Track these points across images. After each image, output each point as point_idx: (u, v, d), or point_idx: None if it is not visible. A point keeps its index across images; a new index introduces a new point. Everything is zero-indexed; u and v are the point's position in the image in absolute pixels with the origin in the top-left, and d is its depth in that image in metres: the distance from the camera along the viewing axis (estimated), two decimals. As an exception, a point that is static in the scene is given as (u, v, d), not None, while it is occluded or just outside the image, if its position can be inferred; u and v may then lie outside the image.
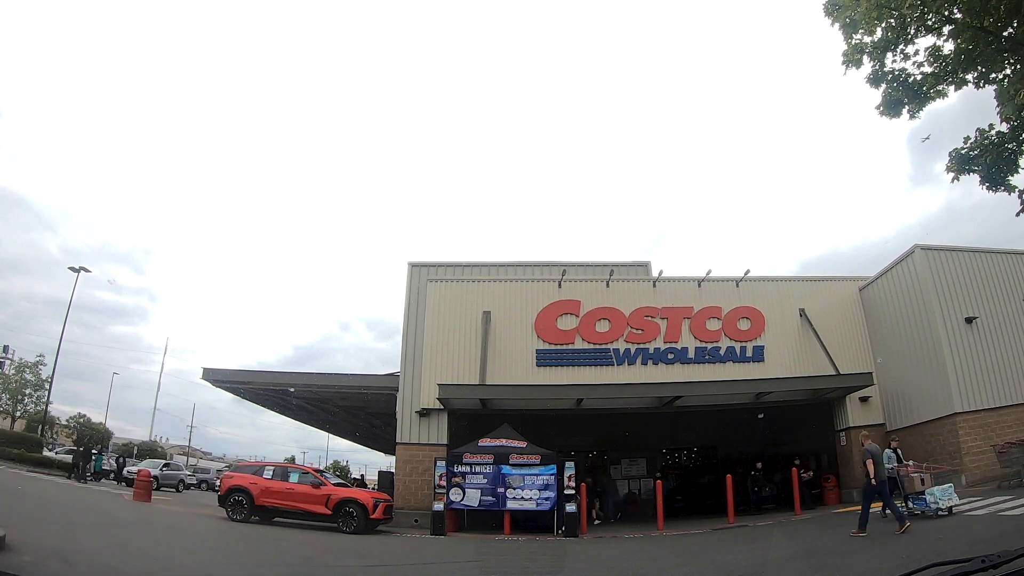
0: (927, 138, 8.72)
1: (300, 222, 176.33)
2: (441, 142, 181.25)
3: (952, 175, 8.73)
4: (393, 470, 20.73)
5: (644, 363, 18.45)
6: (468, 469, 15.45)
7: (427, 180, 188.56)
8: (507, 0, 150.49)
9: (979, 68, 8.18)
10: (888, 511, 10.44)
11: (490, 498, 15.25)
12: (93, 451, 25.92)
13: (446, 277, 19.67)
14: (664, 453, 23.99)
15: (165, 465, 28.77)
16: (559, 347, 18.55)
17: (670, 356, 18.52)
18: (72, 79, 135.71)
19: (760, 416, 19.05)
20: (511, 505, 15.16)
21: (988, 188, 8.47)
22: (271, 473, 15.19)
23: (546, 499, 15.05)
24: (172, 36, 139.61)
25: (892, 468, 12.23)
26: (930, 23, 8.25)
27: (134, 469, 25.40)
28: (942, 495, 11.23)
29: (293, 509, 14.46)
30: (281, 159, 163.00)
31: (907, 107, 8.69)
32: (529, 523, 15.66)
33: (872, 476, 10.27)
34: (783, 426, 21.06)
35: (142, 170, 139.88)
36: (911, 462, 13.01)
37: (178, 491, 27.07)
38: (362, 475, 47.59)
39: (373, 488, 21.92)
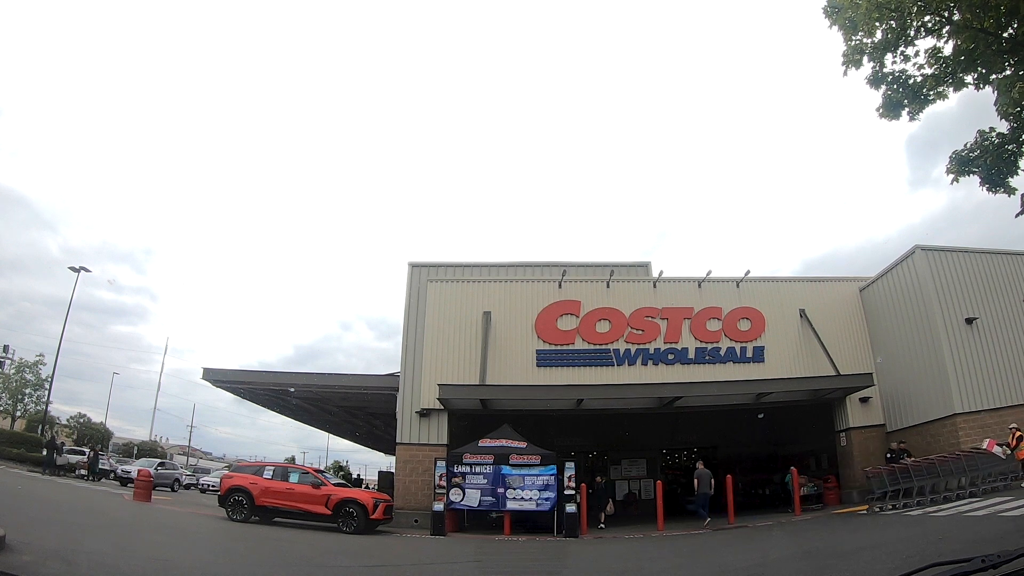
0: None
1: (301, 222, 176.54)
2: (441, 142, 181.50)
3: (952, 177, 8.74)
4: (393, 470, 20.74)
5: (644, 363, 18.45)
6: (468, 469, 15.45)
7: (427, 180, 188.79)
8: (507, 0, 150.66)
9: (979, 69, 8.18)
10: (703, 515, 15.04)
11: (490, 498, 15.25)
12: (58, 443, 25.87)
13: (446, 277, 19.68)
14: (664, 453, 24.02)
15: (160, 464, 28.71)
16: (559, 347, 18.56)
17: (670, 356, 18.52)
18: (72, 78, 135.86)
19: (760, 416, 19.06)
20: (511, 505, 15.16)
21: (988, 189, 8.48)
22: (271, 473, 15.18)
23: (546, 499, 15.05)
24: (172, 35, 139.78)
25: None
26: (930, 24, 8.27)
27: (131, 469, 25.40)
28: None
29: (293, 509, 14.46)
30: (282, 159, 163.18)
31: (907, 109, 8.69)
32: (529, 523, 15.66)
33: (696, 489, 15.62)
34: (783, 426, 21.08)
35: (143, 170, 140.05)
36: None
37: (173, 490, 27.03)
38: (359, 475, 47.44)
39: (371, 488, 21.90)
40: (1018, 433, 13.65)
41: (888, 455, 15.91)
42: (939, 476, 13.87)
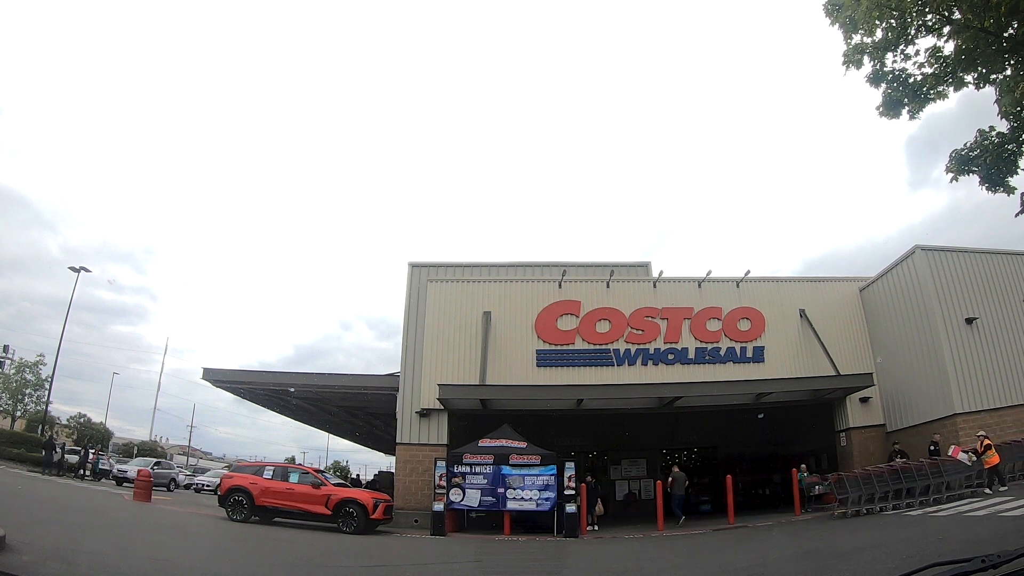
0: None
1: (301, 222, 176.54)
2: (441, 142, 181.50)
3: (952, 176, 8.74)
4: (393, 470, 20.73)
5: (644, 363, 18.43)
6: (468, 469, 15.44)
7: (427, 180, 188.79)
8: (507, 0, 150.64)
9: (979, 69, 8.18)
10: (678, 514, 15.89)
11: (490, 498, 15.24)
12: (56, 442, 25.87)
13: (446, 277, 19.67)
14: (664, 453, 24.00)
15: (157, 463, 28.68)
16: (559, 347, 18.54)
17: (670, 356, 18.51)
18: (72, 77, 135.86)
19: (760, 416, 19.05)
20: (511, 505, 15.15)
21: (988, 189, 8.47)
22: (271, 473, 15.17)
23: (546, 499, 15.04)
24: (173, 35, 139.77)
25: None
26: (930, 23, 8.26)
27: (127, 468, 25.35)
28: None
29: (293, 509, 14.45)
30: (282, 159, 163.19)
31: (907, 108, 8.69)
32: (529, 523, 15.65)
33: (670, 490, 16.21)
34: (783, 426, 21.06)
35: (143, 169, 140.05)
36: None
37: (169, 490, 27.01)
38: (372, 475, 46.92)
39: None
40: (986, 441, 13.68)
41: (932, 448, 15.75)
42: (902, 482, 13.87)
